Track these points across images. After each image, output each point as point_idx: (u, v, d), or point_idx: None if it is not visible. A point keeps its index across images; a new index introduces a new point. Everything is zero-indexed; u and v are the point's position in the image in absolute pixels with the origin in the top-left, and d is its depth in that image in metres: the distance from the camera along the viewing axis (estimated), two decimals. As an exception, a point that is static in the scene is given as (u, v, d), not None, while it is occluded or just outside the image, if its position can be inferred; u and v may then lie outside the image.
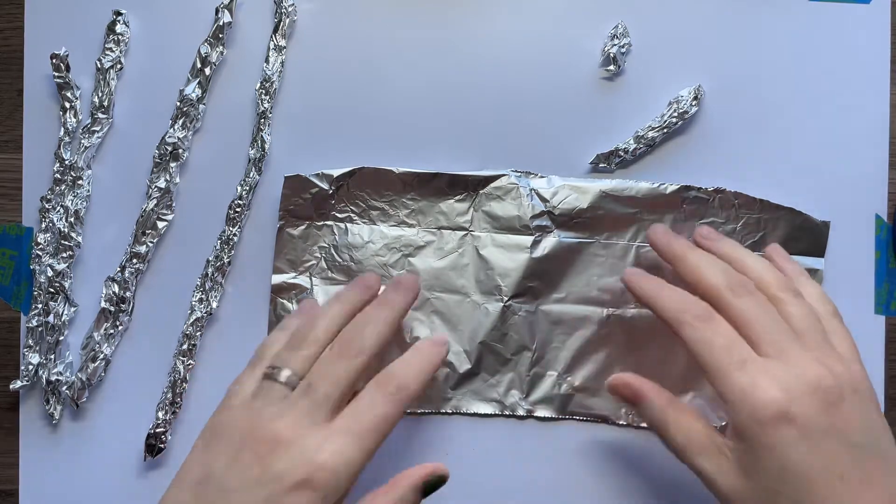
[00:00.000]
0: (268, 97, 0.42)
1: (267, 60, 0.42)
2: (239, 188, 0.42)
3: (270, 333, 0.37)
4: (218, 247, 0.42)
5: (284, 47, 0.42)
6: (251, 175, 0.42)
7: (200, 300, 0.41)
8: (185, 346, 0.41)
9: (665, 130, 0.42)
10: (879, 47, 0.43)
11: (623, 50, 0.42)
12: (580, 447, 0.42)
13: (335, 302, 0.36)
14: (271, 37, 0.42)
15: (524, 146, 0.42)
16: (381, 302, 0.36)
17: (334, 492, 0.30)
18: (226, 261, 0.42)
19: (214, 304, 0.41)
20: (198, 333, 0.41)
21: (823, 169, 0.42)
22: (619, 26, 0.42)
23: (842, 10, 0.43)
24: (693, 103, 0.42)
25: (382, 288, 0.38)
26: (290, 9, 0.42)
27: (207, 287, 0.41)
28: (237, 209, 0.42)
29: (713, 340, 0.33)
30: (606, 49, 0.42)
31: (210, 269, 0.42)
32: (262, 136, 0.42)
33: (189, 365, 0.41)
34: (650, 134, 0.42)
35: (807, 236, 0.42)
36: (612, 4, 0.43)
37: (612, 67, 0.42)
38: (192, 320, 0.41)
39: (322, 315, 0.35)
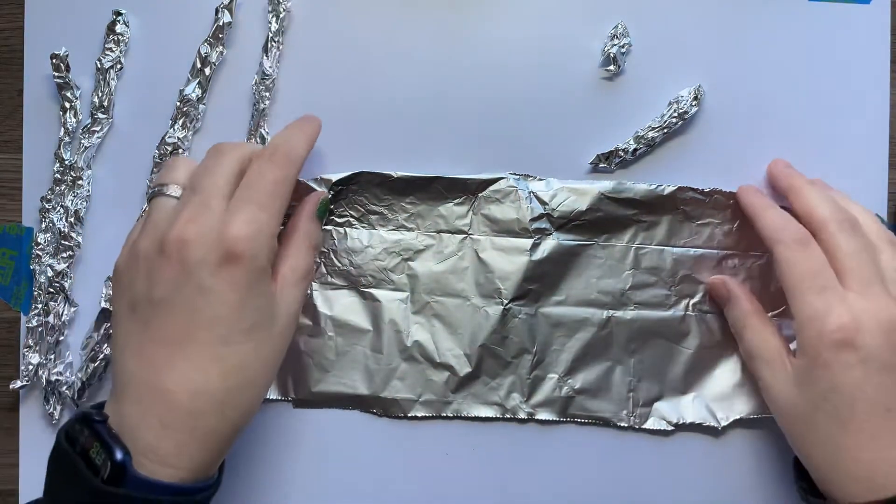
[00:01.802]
0: (268, 94, 0.42)
1: (267, 53, 0.42)
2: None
3: (170, 162, 0.37)
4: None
5: (280, 43, 0.42)
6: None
7: None
8: None
9: (665, 130, 0.42)
10: (879, 47, 0.43)
11: (623, 50, 0.42)
12: (581, 450, 0.42)
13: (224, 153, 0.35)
14: (268, 37, 0.42)
15: (524, 146, 0.42)
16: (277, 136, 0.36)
17: (259, 256, 0.32)
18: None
19: None
20: None
21: (823, 169, 0.42)
22: (619, 26, 0.42)
23: (842, 10, 0.43)
24: (693, 103, 0.41)
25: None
26: (284, 12, 0.42)
27: None
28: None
29: (803, 263, 0.34)
30: (606, 49, 0.42)
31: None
32: (260, 133, 0.42)
33: None
34: (650, 134, 0.42)
35: None
36: (612, 4, 0.43)
37: (612, 67, 0.42)
38: None
39: (211, 150, 0.36)
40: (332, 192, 0.41)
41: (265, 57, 0.42)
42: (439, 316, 0.41)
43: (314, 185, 0.41)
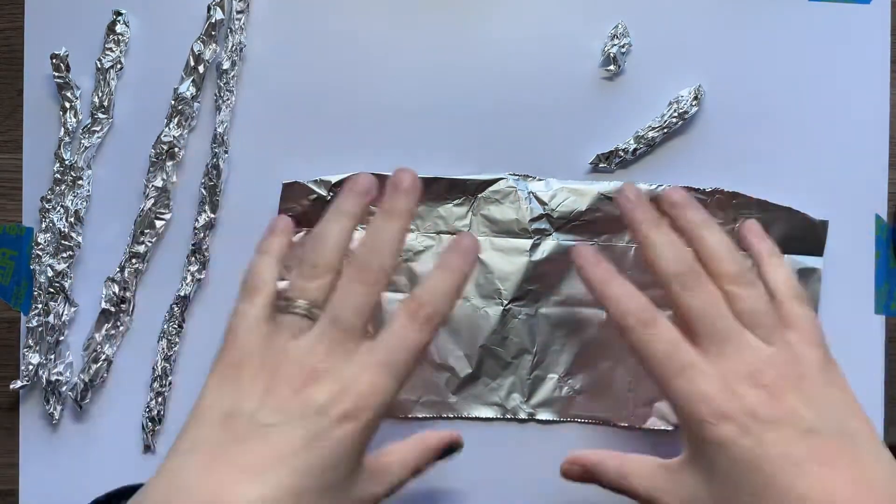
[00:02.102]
0: (232, 94, 0.42)
1: (226, 55, 0.42)
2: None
3: (253, 259, 0.35)
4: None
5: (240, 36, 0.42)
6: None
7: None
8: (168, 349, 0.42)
9: (665, 130, 0.42)
10: (879, 47, 0.43)
11: (623, 50, 0.42)
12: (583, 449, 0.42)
13: (335, 219, 0.34)
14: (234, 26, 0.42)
15: (524, 146, 0.42)
16: (387, 212, 0.33)
17: (374, 423, 0.31)
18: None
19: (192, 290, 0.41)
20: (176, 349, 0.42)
21: (823, 169, 0.42)
22: (619, 26, 0.42)
23: (842, 10, 0.43)
24: (693, 103, 0.41)
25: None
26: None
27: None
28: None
29: (655, 347, 0.32)
30: (606, 49, 0.42)
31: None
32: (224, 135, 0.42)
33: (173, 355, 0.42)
34: (650, 134, 0.42)
35: (805, 235, 0.42)
36: (612, 4, 0.43)
37: (612, 67, 0.42)
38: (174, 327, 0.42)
39: (325, 237, 0.33)
40: (331, 195, 0.41)
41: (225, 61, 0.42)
42: None
43: (314, 187, 0.41)
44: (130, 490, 0.31)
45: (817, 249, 0.42)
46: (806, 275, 0.42)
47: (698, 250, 0.34)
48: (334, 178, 0.41)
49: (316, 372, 0.30)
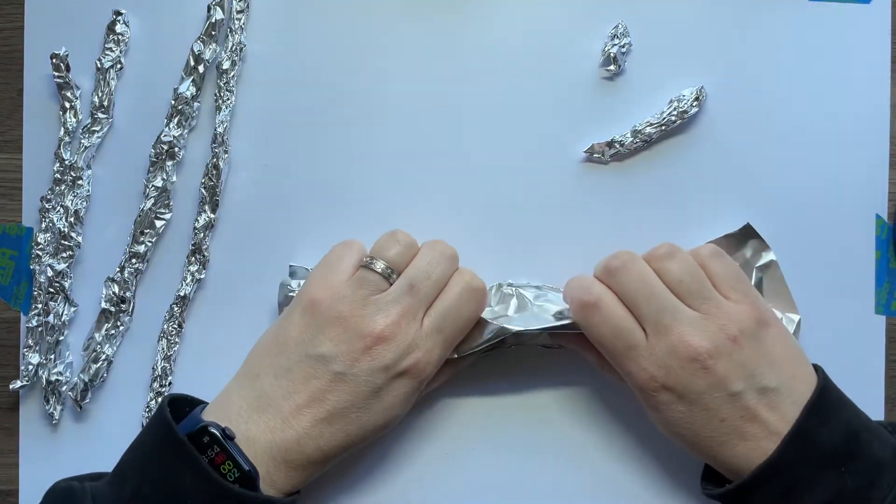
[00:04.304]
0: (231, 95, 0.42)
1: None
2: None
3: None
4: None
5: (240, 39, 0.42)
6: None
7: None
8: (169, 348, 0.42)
9: (663, 128, 0.42)
10: (879, 47, 0.43)
11: (623, 50, 0.42)
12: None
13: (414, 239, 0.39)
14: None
15: (524, 146, 0.42)
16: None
17: (425, 379, 0.37)
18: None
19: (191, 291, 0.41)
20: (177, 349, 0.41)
21: (823, 169, 0.42)
22: (619, 26, 0.42)
23: (842, 10, 0.43)
24: (694, 104, 0.41)
25: None
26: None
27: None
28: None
29: (600, 331, 0.36)
30: (606, 49, 0.42)
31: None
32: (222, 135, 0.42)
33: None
34: (647, 129, 0.42)
35: (745, 244, 0.41)
36: (612, 4, 0.43)
37: (612, 67, 0.42)
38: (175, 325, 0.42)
39: (405, 235, 0.38)
40: None
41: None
42: None
43: None
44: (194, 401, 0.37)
45: (763, 248, 0.41)
46: (768, 270, 0.41)
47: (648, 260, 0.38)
48: None
49: (384, 335, 0.35)
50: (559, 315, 0.39)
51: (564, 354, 0.41)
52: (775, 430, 0.34)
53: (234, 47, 0.42)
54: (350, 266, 0.37)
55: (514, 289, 0.40)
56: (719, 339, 0.35)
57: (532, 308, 0.40)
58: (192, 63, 0.42)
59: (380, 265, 0.37)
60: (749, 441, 0.34)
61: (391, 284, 0.37)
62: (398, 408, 0.36)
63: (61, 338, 0.42)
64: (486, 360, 0.41)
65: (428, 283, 0.37)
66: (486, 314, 0.39)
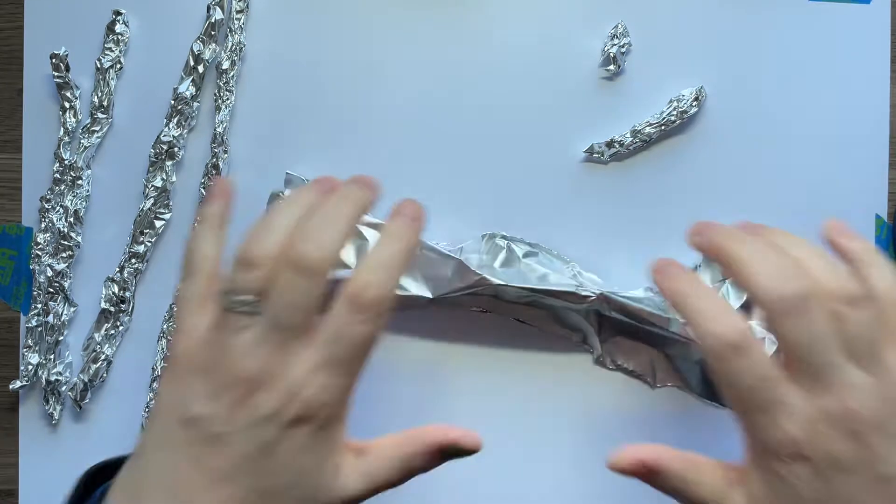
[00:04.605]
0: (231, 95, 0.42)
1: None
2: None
3: (193, 232, 0.32)
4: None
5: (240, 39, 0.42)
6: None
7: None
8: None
9: (662, 128, 0.42)
10: (879, 47, 0.43)
11: (623, 50, 0.42)
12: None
13: (285, 207, 0.31)
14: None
15: (523, 146, 0.42)
16: (338, 197, 0.31)
17: (332, 418, 0.29)
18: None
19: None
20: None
21: (823, 169, 0.42)
22: (619, 26, 0.42)
23: (842, 10, 0.43)
24: (693, 104, 0.41)
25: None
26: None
27: None
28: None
29: (740, 380, 0.28)
30: (606, 49, 0.42)
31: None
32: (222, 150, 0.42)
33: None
34: (647, 129, 0.42)
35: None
36: (612, 4, 0.43)
37: (612, 67, 0.42)
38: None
39: (271, 226, 0.30)
40: None
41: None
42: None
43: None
44: (118, 462, 0.31)
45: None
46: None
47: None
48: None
49: (258, 380, 0.28)
50: (544, 280, 0.38)
51: (564, 355, 0.41)
52: None
53: (233, 47, 0.42)
54: (200, 299, 0.30)
55: (506, 242, 0.40)
56: (884, 410, 0.28)
57: (519, 265, 0.39)
58: (192, 63, 0.42)
59: (238, 300, 0.29)
60: None
61: (259, 314, 0.29)
62: (311, 468, 0.29)
63: (61, 338, 0.42)
64: (483, 369, 0.41)
65: (297, 314, 0.29)
66: (472, 262, 0.38)
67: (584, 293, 0.38)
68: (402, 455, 0.30)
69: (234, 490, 0.28)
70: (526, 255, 0.40)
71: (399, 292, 0.36)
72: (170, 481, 0.29)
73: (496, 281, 0.38)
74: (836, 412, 0.28)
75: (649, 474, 0.31)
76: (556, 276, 0.39)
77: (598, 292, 0.39)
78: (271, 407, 0.28)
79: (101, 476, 0.31)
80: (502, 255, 0.40)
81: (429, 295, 0.38)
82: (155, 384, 0.42)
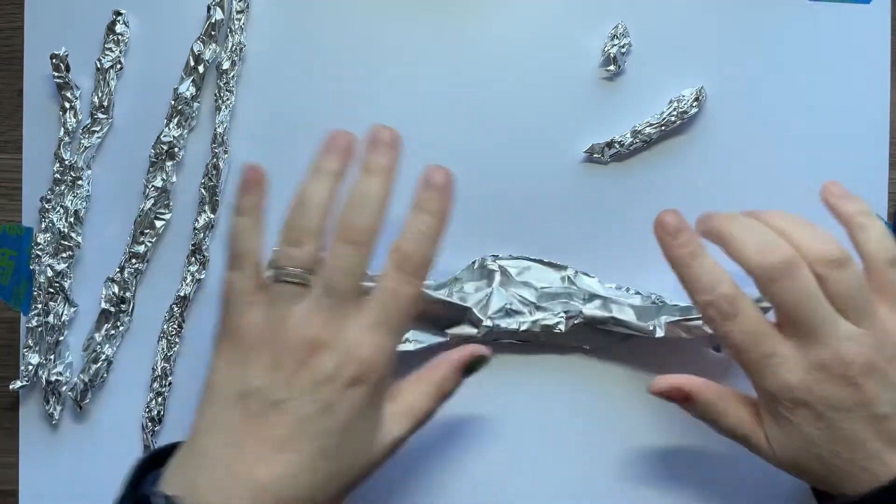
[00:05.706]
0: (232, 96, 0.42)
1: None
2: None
3: (232, 222, 0.34)
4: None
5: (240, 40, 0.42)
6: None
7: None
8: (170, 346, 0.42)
9: (663, 128, 0.42)
10: (879, 47, 0.43)
11: (623, 50, 0.42)
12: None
13: (316, 179, 0.33)
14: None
15: (523, 146, 0.42)
16: (368, 171, 0.33)
17: (382, 380, 0.32)
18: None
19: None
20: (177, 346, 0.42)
21: (823, 169, 0.42)
22: (619, 26, 0.42)
23: (842, 10, 0.43)
24: (693, 104, 0.41)
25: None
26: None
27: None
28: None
29: (736, 338, 0.32)
30: (606, 49, 0.42)
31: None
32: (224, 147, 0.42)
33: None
34: (647, 130, 0.42)
35: None
36: (612, 4, 0.43)
37: (612, 67, 0.42)
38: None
39: (308, 199, 0.33)
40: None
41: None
42: None
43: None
44: (170, 449, 0.32)
45: None
46: None
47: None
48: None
49: (317, 342, 0.31)
50: (542, 297, 0.40)
51: (570, 355, 0.41)
52: None
53: (233, 47, 0.42)
54: (251, 287, 0.32)
55: (497, 265, 0.41)
56: (875, 357, 0.31)
57: (516, 287, 0.41)
58: (192, 63, 0.42)
59: (292, 273, 0.32)
60: (887, 467, 0.31)
61: (310, 286, 0.32)
62: (366, 426, 0.32)
63: (61, 338, 0.42)
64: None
65: (349, 280, 0.31)
66: (469, 299, 0.40)
67: (568, 327, 0.40)
68: (435, 381, 0.34)
69: (293, 456, 0.30)
70: (519, 272, 0.41)
71: (412, 347, 0.40)
72: (227, 458, 0.30)
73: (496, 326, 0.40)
74: (830, 361, 0.31)
75: (684, 400, 0.35)
76: (550, 292, 0.41)
77: (579, 321, 0.40)
78: (331, 367, 0.30)
79: (153, 465, 0.32)
80: (497, 279, 0.41)
81: (442, 339, 0.40)
82: (156, 384, 0.42)
